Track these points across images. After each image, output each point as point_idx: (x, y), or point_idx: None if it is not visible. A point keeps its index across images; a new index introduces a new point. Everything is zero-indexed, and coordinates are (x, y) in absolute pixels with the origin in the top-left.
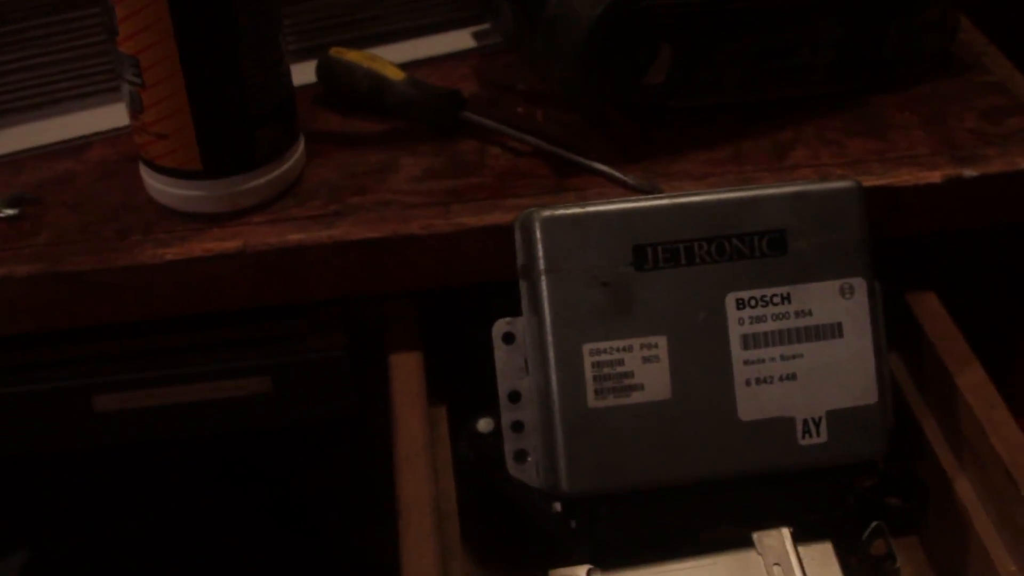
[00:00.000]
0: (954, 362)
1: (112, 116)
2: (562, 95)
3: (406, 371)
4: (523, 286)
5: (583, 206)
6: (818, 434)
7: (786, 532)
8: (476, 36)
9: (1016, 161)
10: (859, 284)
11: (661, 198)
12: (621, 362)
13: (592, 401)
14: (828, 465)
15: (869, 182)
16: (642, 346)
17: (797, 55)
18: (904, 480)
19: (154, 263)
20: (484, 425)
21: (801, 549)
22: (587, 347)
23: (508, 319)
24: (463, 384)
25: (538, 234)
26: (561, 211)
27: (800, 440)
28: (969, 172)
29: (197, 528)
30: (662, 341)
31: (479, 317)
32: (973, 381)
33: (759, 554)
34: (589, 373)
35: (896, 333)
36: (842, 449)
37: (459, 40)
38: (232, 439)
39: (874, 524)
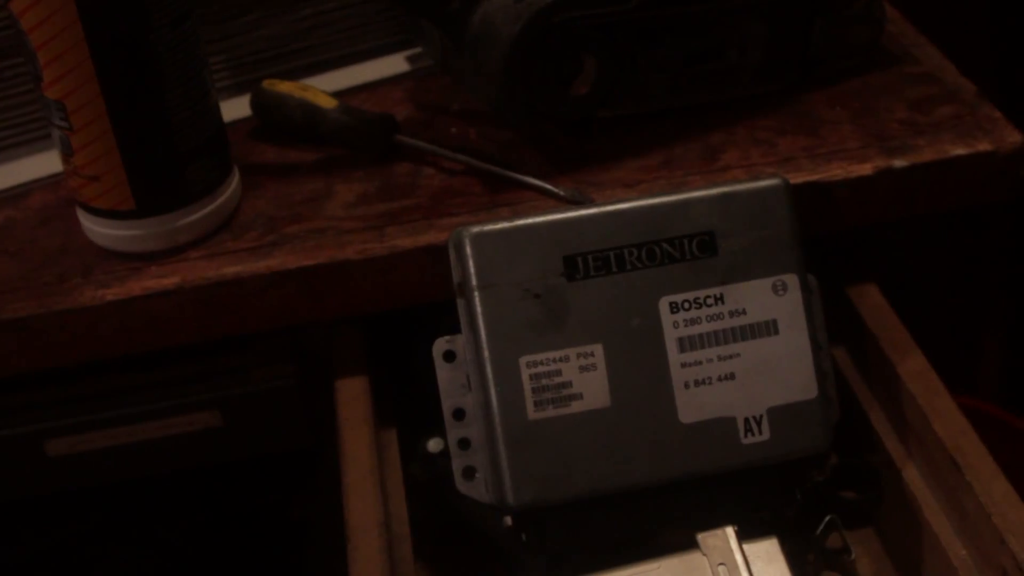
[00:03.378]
0: (895, 351)
1: (51, 162)
2: (492, 112)
3: (352, 396)
4: (460, 304)
5: (512, 220)
6: (760, 432)
7: (730, 531)
8: (410, 60)
9: (946, 149)
10: (791, 280)
11: (589, 207)
12: (559, 372)
13: (532, 413)
14: (772, 462)
15: (799, 178)
16: (578, 355)
17: (724, 58)
18: (857, 472)
19: (95, 304)
20: (434, 445)
21: (746, 547)
22: (524, 360)
23: (448, 337)
24: (413, 406)
25: (469, 251)
26: (490, 227)
27: (743, 439)
28: (900, 163)
29: (168, 566)
30: (598, 349)
31: (425, 338)
32: (915, 369)
33: (704, 555)
34: (527, 385)
35: (839, 326)
36: (785, 445)
37: (393, 65)
38: (193, 474)
39: (828, 518)
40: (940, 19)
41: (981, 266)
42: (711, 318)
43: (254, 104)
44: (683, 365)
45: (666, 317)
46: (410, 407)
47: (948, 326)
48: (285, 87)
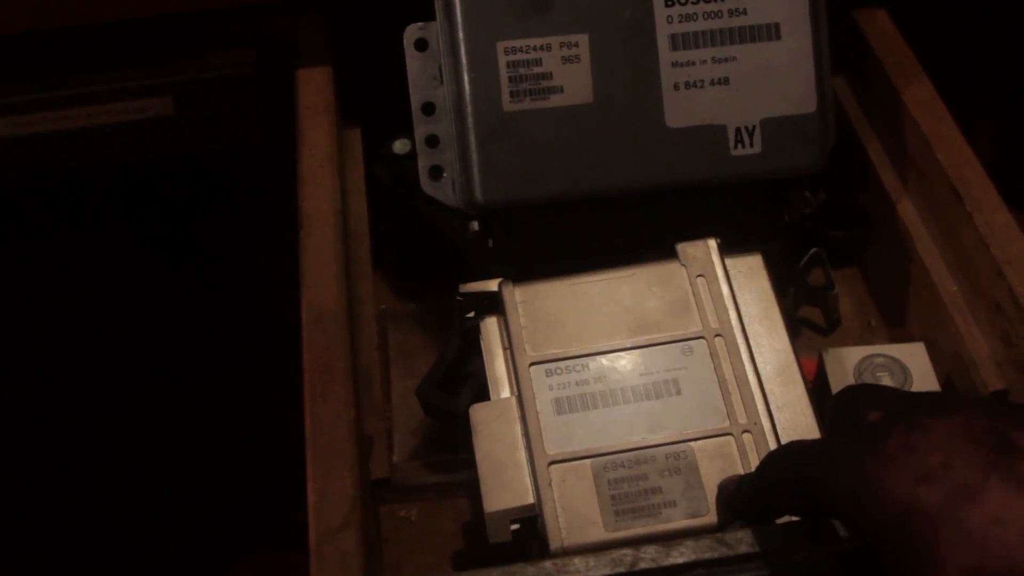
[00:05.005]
0: (902, 78)
1: None
2: None
3: (313, 85)
4: None
5: None
6: (751, 144)
7: (712, 243)
8: None
9: None
10: None
11: None
12: (539, 62)
13: (507, 104)
14: (762, 176)
15: None
16: (561, 45)
17: None
18: (846, 209)
19: None
20: (400, 147)
21: (728, 261)
22: (501, 45)
23: (421, 24)
24: (382, 107)
25: None
26: None
27: (732, 150)
28: None
29: (128, 278)
30: (583, 40)
31: (395, 28)
32: (921, 98)
33: (682, 265)
34: (504, 74)
35: (844, 54)
36: (777, 160)
37: None
38: (141, 169)
39: (812, 251)
40: None
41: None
42: (708, 15)
43: None
44: (674, 64)
45: (660, 10)
46: (377, 107)
47: (958, 61)
48: None
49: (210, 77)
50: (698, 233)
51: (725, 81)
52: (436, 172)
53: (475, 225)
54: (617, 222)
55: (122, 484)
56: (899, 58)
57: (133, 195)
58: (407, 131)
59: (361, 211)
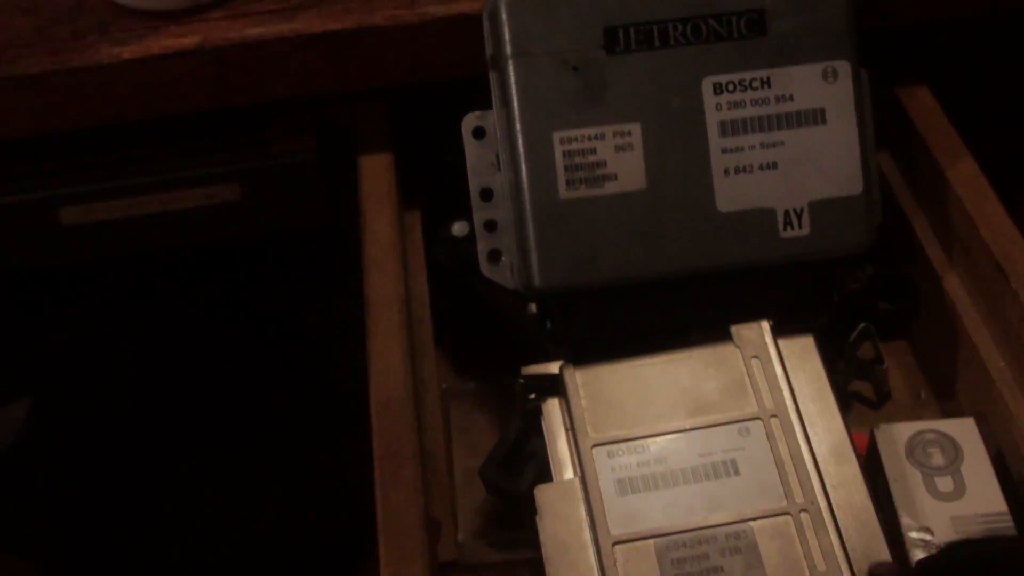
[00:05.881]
0: (945, 155)
1: None
2: None
3: (375, 172)
4: (492, 77)
5: None
6: (800, 226)
7: (765, 325)
8: None
9: None
10: (843, 67)
11: None
12: (593, 151)
13: (564, 192)
14: (811, 258)
15: None
16: (615, 134)
17: None
18: (893, 282)
19: (111, 63)
20: (459, 229)
21: (781, 342)
22: (557, 135)
23: (478, 112)
24: (440, 190)
25: (504, 17)
26: None
27: (782, 232)
28: None
29: (183, 345)
30: (636, 128)
31: (453, 115)
32: (964, 174)
33: (737, 347)
34: (560, 163)
35: (887, 130)
36: (826, 241)
37: None
38: (208, 253)
39: (861, 326)
40: None
41: None
42: (756, 102)
43: None
44: (724, 150)
45: (709, 98)
46: (434, 191)
47: (997, 140)
48: None
49: (274, 164)
50: (750, 313)
51: (773, 165)
52: (495, 256)
53: (533, 307)
54: (671, 304)
55: (183, 548)
56: (941, 135)
57: (191, 269)
58: (464, 213)
59: (423, 294)
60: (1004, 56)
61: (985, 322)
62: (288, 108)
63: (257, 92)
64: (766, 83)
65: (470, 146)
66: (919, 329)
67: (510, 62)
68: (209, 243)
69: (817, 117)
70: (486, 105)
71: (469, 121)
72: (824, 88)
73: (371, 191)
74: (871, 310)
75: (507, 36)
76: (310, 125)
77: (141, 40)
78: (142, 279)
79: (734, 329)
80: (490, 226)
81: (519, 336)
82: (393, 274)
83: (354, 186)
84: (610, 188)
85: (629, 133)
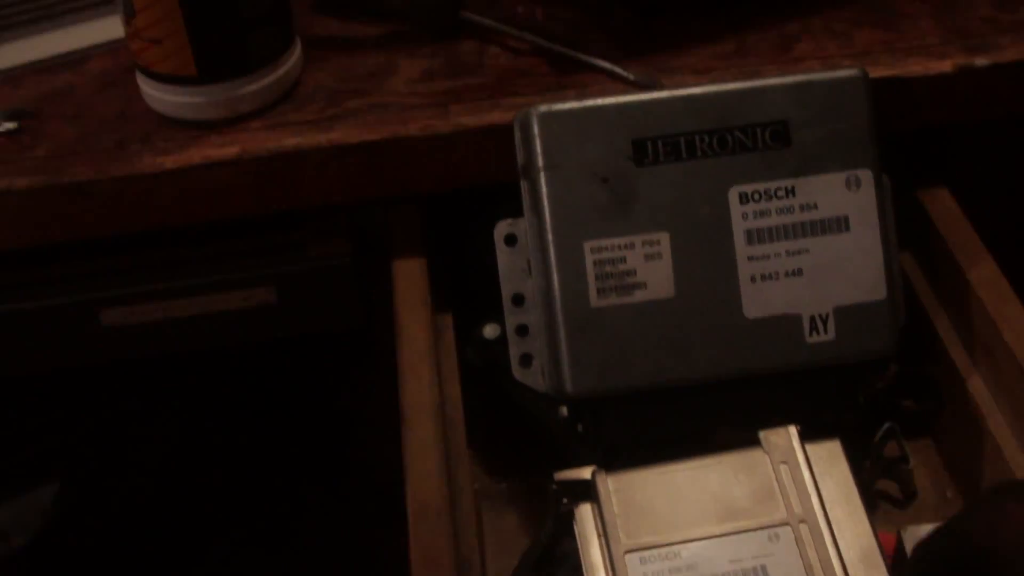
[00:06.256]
0: (966, 258)
1: (110, 27)
2: None
3: (409, 277)
4: (523, 186)
5: (581, 101)
6: (826, 331)
7: (793, 430)
8: None
9: None
10: (865, 176)
11: (660, 91)
12: (623, 260)
13: (595, 300)
14: (837, 363)
15: (877, 72)
16: (644, 243)
17: None
18: (918, 381)
19: (153, 172)
20: (490, 331)
21: (808, 447)
22: (588, 245)
23: (510, 220)
24: (471, 291)
25: (536, 130)
26: (559, 107)
27: (807, 337)
28: (981, 61)
29: (213, 442)
30: (664, 237)
31: (484, 221)
32: (985, 276)
33: (765, 452)
34: (591, 271)
35: (908, 231)
36: (851, 346)
37: None
38: (243, 352)
39: (886, 425)
40: None
41: None
42: (781, 211)
43: None
44: (750, 258)
45: (735, 208)
46: (466, 292)
47: (1020, 238)
48: None
49: (309, 268)
50: (777, 417)
51: (799, 272)
52: (527, 360)
53: (564, 410)
54: (700, 409)
55: None
56: (962, 237)
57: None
58: (495, 315)
59: (456, 398)
60: (1022, 157)
61: (1009, 423)
62: (323, 212)
63: (294, 199)
64: (791, 192)
65: (502, 253)
66: (944, 428)
67: (542, 174)
68: (246, 343)
69: (841, 225)
70: (515, 209)
71: (501, 229)
72: (847, 196)
73: (405, 296)
74: (896, 408)
75: (539, 148)
76: (344, 229)
77: (183, 150)
78: (178, 371)
79: (762, 434)
80: (521, 331)
81: (550, 438)
82: (428, 380)
83: (387, 288)
84: (639, 296)
85: (658, 242)
